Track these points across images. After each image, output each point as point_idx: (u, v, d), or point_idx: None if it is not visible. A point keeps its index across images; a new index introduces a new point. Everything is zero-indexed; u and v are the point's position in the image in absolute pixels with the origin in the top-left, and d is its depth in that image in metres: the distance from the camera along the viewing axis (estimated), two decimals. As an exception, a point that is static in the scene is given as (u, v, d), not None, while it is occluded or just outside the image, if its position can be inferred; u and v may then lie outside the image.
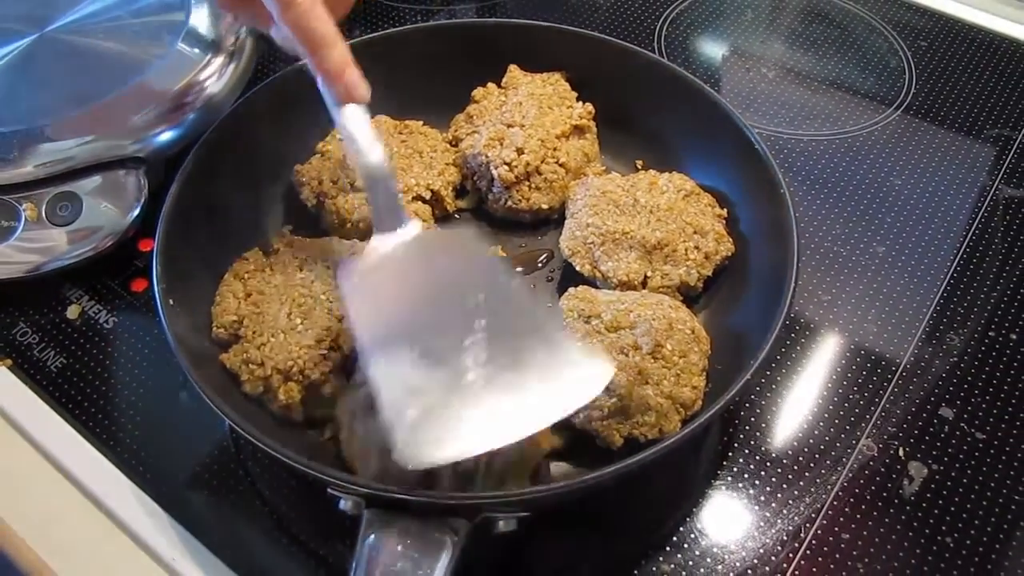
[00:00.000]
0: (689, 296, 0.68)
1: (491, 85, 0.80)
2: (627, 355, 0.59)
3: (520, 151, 0.73)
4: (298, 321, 0.62)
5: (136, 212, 0.71)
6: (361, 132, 0.58)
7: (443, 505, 0.50)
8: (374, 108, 0.78)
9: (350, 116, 0.58)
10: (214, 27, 0.81)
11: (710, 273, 0.68)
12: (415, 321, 0.55)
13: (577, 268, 0.69)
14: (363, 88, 0.57)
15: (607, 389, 0.57)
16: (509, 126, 0.75)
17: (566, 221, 0.72)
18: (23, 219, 0.69)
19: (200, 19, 0.81)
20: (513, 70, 0.81)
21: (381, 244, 0.59)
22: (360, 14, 1.00)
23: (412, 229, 0.60)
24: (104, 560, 0.59)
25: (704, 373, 0.61)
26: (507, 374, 0.51)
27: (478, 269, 0.59)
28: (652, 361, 0.59)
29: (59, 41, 0.78)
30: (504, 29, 0.83)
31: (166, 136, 0.74)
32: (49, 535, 0.59)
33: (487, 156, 0.73)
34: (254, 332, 0.62)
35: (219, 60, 0.79)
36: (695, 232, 0.68)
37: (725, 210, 0.71)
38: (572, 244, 0.69)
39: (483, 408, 0.50)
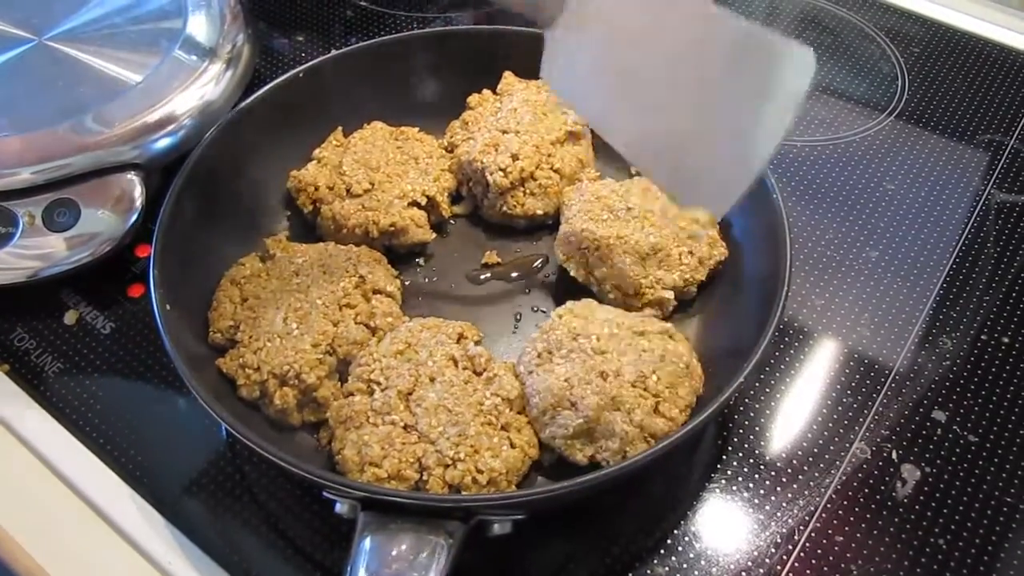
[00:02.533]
0: (683, 301, 0.69)
1: (486, 91, 0.81)
2: (605, 379, 0.58)
3: (515, 157, 0.73)
4: (294, 326, 0.63)
5: (134, 218, 0.72)
6: None
7: (438, 507, 0.50)
8: (370, 115, 0.79)
9: None
10: (211, 34, 0.82)
11: (704, 278, 0.68)
12: (634, 86, 0.56)
13: (572, 273, 0.69)
14: None
15: (576, 408, 0.57)
16: (504, 132, 0.76)
17: (561, 226, 0.72)
18: (21, 225, 0.69)
19: (197, 26, 0.81)
20: (508, 77, 0.81)
21: (553, 34, 0.58)
22: (357, 22, 1.00)
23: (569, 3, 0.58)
24: (100, 564, 0.59)
25: (688, 408, 0.60)
26: (731, 97, 0.54)
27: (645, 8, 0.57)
28: (631, 389, 0.58)
29: (57, 48, 0.79)
30: (500, 37, 0.83)
31: (163, 143, 0.74)
32: (46, 539, 0.60)
33: (482, 162, 0.74)
34: (250, 337, 0.63)
35: (216, 67, 0.79)
36: (689, 237, 0.68)
37: (718, 214, 0.71)
38: (566, 250, 0.70)
39: (731, 141, 0.54)
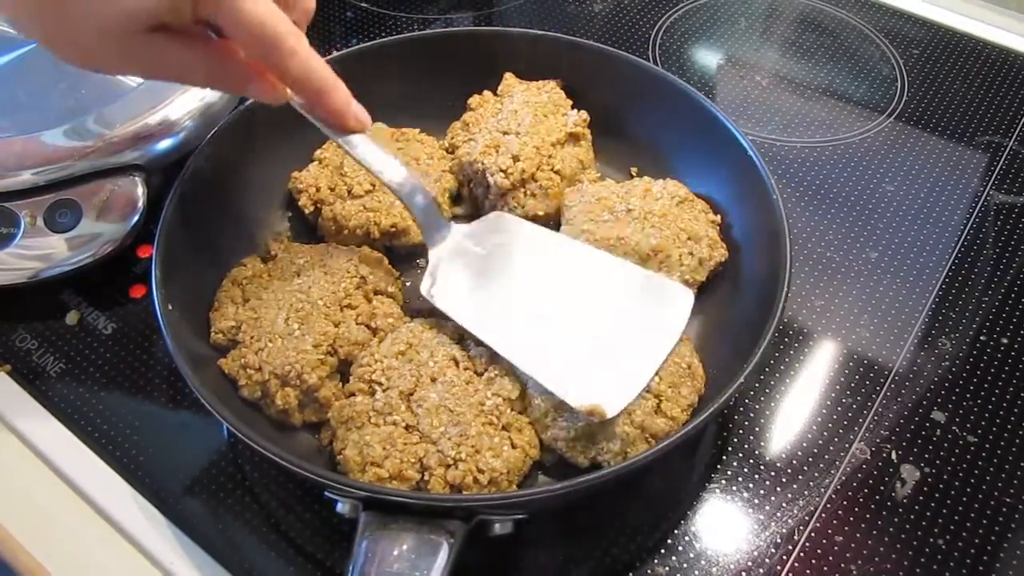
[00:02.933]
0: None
1: (487, 93, 0.81)
2: None
3: (516, 158, 0.73)
4: (295, 326, 0.63)
5: (135, 219, 0.72)
6: (377, 157, 0.64)
7: (439, 507, 0.50)
8: (371, 115, 0.79)
9: (361, 144, 0.63)
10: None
11: (704, 279, 0.68)
12: (517, 305, 0.64)
13: (572, 275, 0.69)
14: (367, 117, 0.62)
15: (575, 412, 0.58)
16: (505, 133, 0.76)
17: (561, 227, 0.72)
18: (23, 226, 0.70)
19: (199, 28, 0.82)
20: (508, 78, 0.81)
21: (438, 253, 0.67)
22: (357, 23, 1.00)
23: (456, 230, 0.68)
24: (102, 564, 0.59)
25: (690, 408, 0.60)
26: (613, 316, 0.63)
27: (531, 240, 0.69)
28: None
29: (59, 50, 0.79)
30: (500, 38, 0.83)
31: (165, 144, 0.74)
32: (47, 539, 0.60)
33: (483, 163, 0.74)
34: (252, 337, 0.63)
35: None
36: (689, 238, 0.68)
37: (719, 216, 0.71)
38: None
39: (618, 350, 0.61)
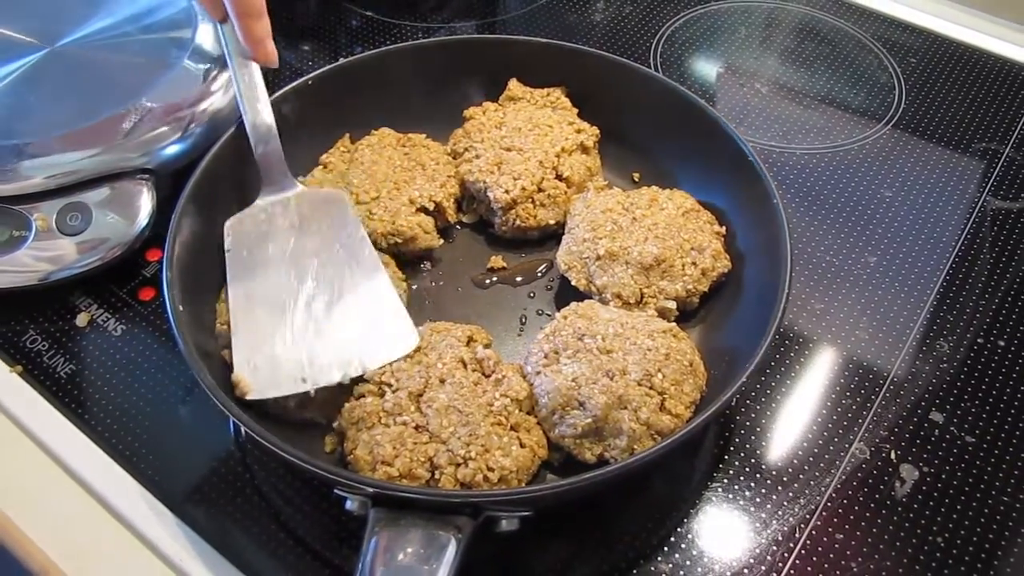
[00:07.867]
0: (686, 310, 0.70)
1: (486, 104, 0.82)
2: (612, 379, 0.59)
3: (517, 177, 0.74)
4: (304, 328, 0.64)
5: (144, 223, 0.73)
6: (259, 90, 0.70)
7: (448, 503, 0.51)
8: (378, 121, 0.80)
9: (255, 74, 0.70)
10: (220, 43, 0.83)
11: (706, 289, 0.69)
12: (274, 277, 0.67)
13: (572, 283, 0.70)
14: (275, 56, 0.69)
15: (584, 407, 0.58)
16: (507, 150, 0.77)
17: (564, 236, 0.73)
18: (34, 229, 0.71)
19: (206, 36, 0.82)
20: (513, 84, 0.82)
21: (265, 202, 0.71)
22: (363, 31, 1.02)
23: (296, 189, 0.72)
24: (113, 562, 0.60)
25: (693, 405, 0.61)
26: (334, 325, 0.64)
27: (334, 231, 0.70)
28: (637, 387, 0.59)
29: (68, 56, 0.80)
30: (504, 45, 0.85)
31: (173, 149, 0.75)
32: (59, 537, 0.60)
33: (485, 182, 0.75)
34: (261, 338, 0.64)
35: (225, 76, 0.80)
36: (692, 248, 0.69)
37: (724, 228, 0.72)
38: (568, 259, 0.71)
39: (311, 354, 0.63)
